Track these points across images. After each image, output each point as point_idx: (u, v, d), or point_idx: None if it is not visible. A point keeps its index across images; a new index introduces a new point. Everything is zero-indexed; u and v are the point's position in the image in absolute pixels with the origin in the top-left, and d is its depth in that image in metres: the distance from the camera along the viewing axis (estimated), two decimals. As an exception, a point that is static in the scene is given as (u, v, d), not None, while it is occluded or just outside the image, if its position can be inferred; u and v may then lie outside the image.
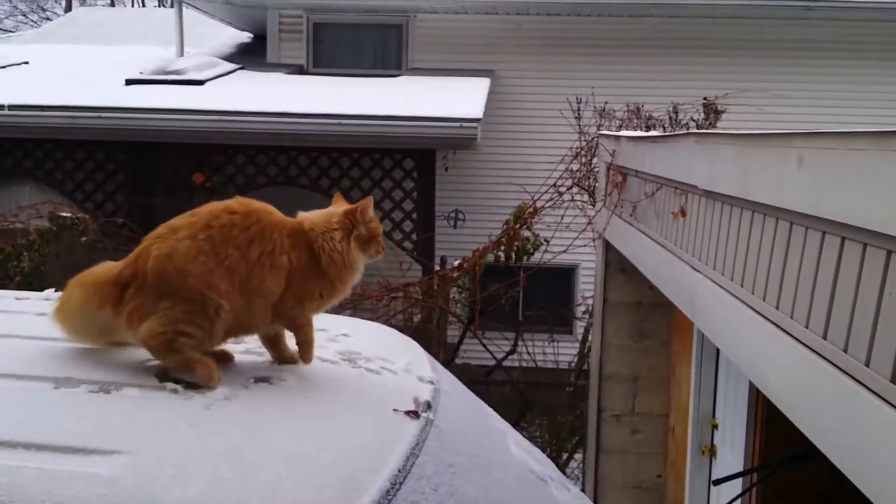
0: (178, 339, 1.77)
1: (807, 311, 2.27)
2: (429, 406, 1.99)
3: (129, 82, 10.40)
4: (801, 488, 4.01)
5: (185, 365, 1.78)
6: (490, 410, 2.71)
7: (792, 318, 2.37)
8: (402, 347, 2.39)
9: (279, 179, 9.95)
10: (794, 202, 2.36)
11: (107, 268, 1.91)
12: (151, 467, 1.39)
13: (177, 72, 10.79)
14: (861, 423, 1.95)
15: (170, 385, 1.73)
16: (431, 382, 2.20)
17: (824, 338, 2.16)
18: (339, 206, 2.05)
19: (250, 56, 12.74)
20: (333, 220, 1.98)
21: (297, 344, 1.98)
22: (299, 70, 11.94)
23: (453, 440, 2.01)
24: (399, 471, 1.63)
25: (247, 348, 2.06)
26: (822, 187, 2.20)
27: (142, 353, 1.93)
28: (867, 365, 1.93)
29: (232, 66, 11.59)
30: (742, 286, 2.84)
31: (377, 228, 2.03)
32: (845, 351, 2.04)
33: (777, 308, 2.50)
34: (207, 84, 10.49)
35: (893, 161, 1.80)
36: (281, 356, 1.99)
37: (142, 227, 8.73)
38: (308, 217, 2.00)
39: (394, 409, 1.89)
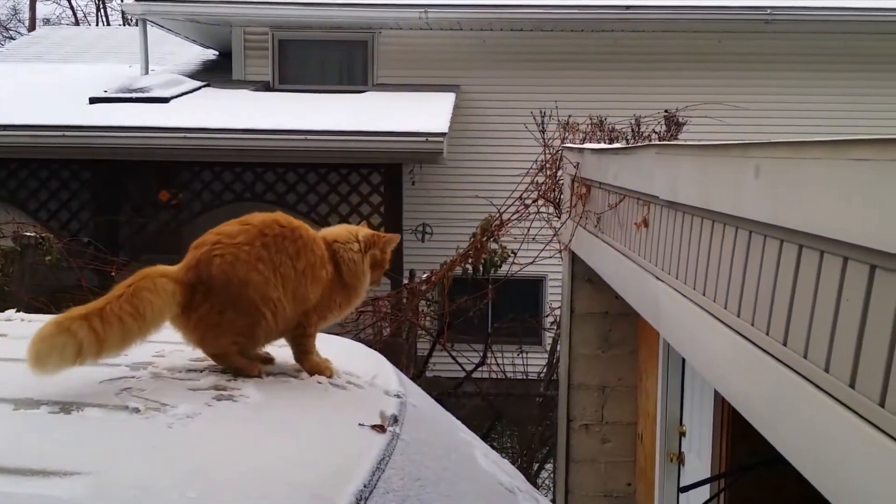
0: (234, 347, 1.92)
1: (767, 318, 2.31)
2: (395, 420, 1.99)
3: (93, 101, 10.31)
4: (770, 494, 4.05)
5: (236, 369, 1.93)
6: (458, 423, 2.72)
7: (753, 325, 2.41)
8: (368, 361, 2.39)
9: (246, 196, 9.91)
10: (753, 211, 2.40)
11: (174, 269, 1.97)
12: (114, 488, 1.38)
13: (141, 90, 10.72)
14: (822, 428, 1.98)
15: (131, 404, 1.72)
16: (398, 396, 2.20)
17: (784, 344, 2.19)
18: (361, 228, 2.19)
19: (216, 73, 12.69)
20: (357, 236, 2.12)
21: (299, 354, 2.06)
22: (265, 87, 11.92)
23: (420, 454, 2.00)
24: (365, 486, 1.62)
25: (211, 365, 2.05)
26: (779, 196, 2.24)
27: (102, 372, 1.91)
28: (826, 370, 1.96)
29: (197, 83, 11.54)
30: (704, 294, 2.87)
31: (387, 262, 2.19)
32: (805, 357, 2.07)
33: (738, 316, 2.53)
34: (172, 101, 10.43)
35: (847, 169, 1.84)
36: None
37: (108, 245, 8.65)
38: (329, 231, 2.13)
39: (360, 424, 1.89)
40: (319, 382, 2.05)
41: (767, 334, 2.30)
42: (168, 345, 2.21)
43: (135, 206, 10.24)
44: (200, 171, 9.94)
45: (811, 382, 2.02)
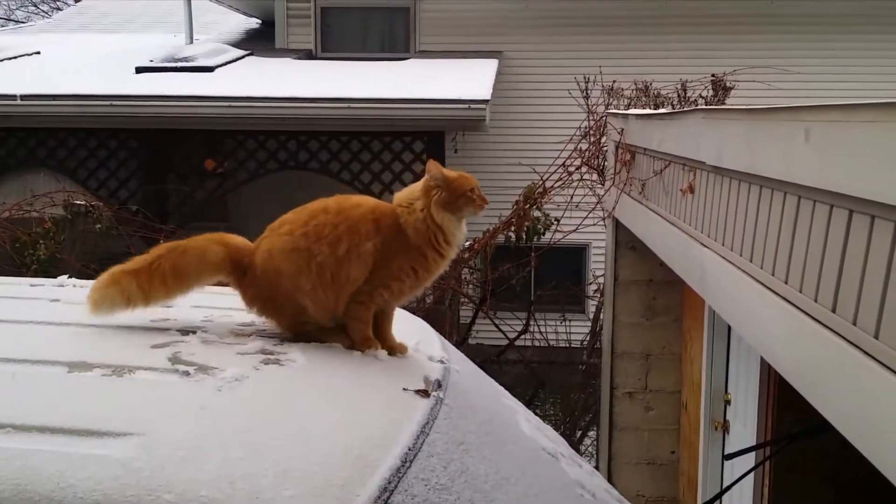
0: (303, 325, 2.00)
1: (815, 285, 2.27)
2: (439, 385, 2.01)
3: (139, 70, 10.43)
4: (814, 462, 4.02)
5: (319, 341, 1.99)
6: (501, 389, 2.73)
7: (801, 292, 2.37)
8: (412, 328, 2.40)
9: (290, 164, 9.98)
10: (802, 176, 2.36)
11: (241, 243, 2.08)
12: (164, 449, 1.41)
13: (186, 59, 10.81)
14: (870, 395, 1.95)
15: (181, 368, 1.75)
16: (441, 362, 2.22)
17: (833, 311, 2.16)
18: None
19: (259, 42, 12.73)
20: (416, 191, 2.06)
21: (347, 318, 2.04)
22: (308, 55, 11.93)
23: (464, 418, 2.02)
24: (409, 449, 1.64)
25: (258, 330, 2.08)
26: (829, 160, 2.20)
27: (153, 337, 1.96)
28: (876, 337, 1.93)
29: (241, 52, 11.59)
30: (751, 261, 2.83)
31: (462, 184, 2.04)
32: (854, 324, 2.04)
33: (786, 283, 2.49)
34: (217, 70, 10.50)
35: (899, 132, 1.79)
36: (385, 344, 2.08)
37: (155, 213, 8.80)
38: (399, 195, 2.09)
39: (404, 389, 1.91)
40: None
41: (816, 301, 2.26)
42: (217, 310, 2.26)
43: (181, 175, 10.37)
44: (245, 140, 10.02)
45: (860, 349, 1.99)
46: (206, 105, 9.20)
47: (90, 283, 2.09)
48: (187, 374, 1.73)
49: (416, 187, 2.08)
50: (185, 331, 2.03)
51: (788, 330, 2.47)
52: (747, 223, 2.91)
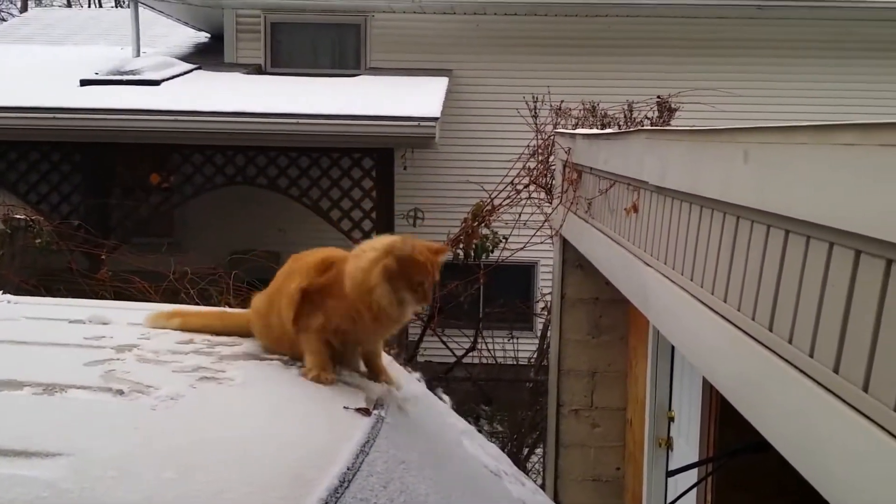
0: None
1: (753, 303, 2.31)
2: (380, 403, 1.99)
3: (84, 83, 10.24)
4: (758, 479, 4.07)
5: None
6: (445, 407, 2.72)
7: (739, 310, 2.41)
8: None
9: (237, 179, 9.87)
10: (741, 196, 2.40)
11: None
12: (94, 469, 1.37)
13: (132, 72, 10.65)
14: (806, 412, 1.99)
15: (115, 386, 1.71)
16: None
17: (770, 329, 2.20)
18: (400, 239, 1.92)
19: (207, 56, 12.61)
20: (378, 246, 1.91)
21: None
22: (257, 70, 11.85)
23: (405, 437, 2.01)
24: (349, 468, 1.62)
25: (196, 348, 2.04)
26: (766, 181, 2.24)
27: (87, 354, 1.91)
28: (811, 356, 1.97)
29: (189, 65, 11.47)
30: (692, 280, 2.88)
31: (415, 269, 1.86)
32: (790, 342, 2.08)
33: (725, 301, 2.54)
34: (164, 84, 10.37)
35: (832, 154, 1.84)
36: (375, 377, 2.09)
37: (98, 228, 8.62)
38: (368, 242, 1.98)
39: (345, 407, 1.89)
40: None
41: (753, 319, 2.30)
42: (154, 328, 2.21)
43: (125, 189, 10.19)
44: (191, 155, 9.89)
45: (796, 367, 2.02)
46: (152, 119, 9.08)
47: (27, 299, 2.04)
48: (121, 392, 1.69)
49: (390, 240, 1.92)
50: (121, 348, 1.99)
51: (727, 347, 2.51)
52: (688, 243, 2.95)
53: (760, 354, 2.22)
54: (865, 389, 1.71)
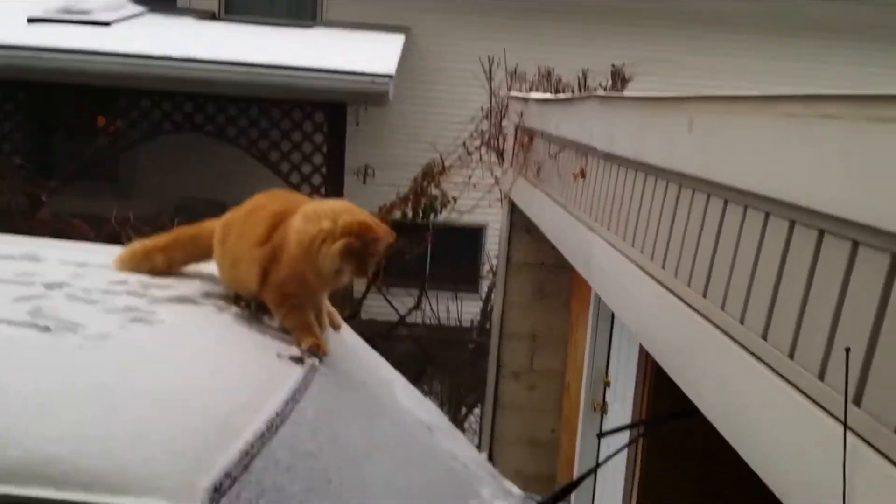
0: None
1: (689, 270, 2.34)
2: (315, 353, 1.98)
3: (31, 21, 9.88)
4: (687, 445, 4.16)
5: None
6: (382, 361, 2.72)
7: (676, 277, 2.44)
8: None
9: (185, 126, 9.66)
10: (684, 164, 2.42)
11: None
12: (14, 405, 1.34)
13: (82, 12, 10.31)
14: (734, 379, 2.03)
15: (42, 322, 1.67)
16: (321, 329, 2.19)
17: (704, 296, 2.23)
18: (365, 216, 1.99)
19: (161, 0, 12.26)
20: (338, 216, 1.94)
21: None
22: (211, 16, 11.55)
23: (338, 387, 2.00)
24: (277, 414, 1.61)
25: (129, 289, 2.00)
26: (710, 150, 2.26)
27: (15, 290, 1.86)
28: (741, 322, 2.00)
29: (140, 8, 11.14)
30: (633, 246, 2.90)
31: (373, 252, 1.95)
32: (722, 309, 2.11)
33: (663, 268, 2.56)
34: (114, 25, 10.06)
35: (774, 124, 1.85)
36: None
37: (40, 169, 8.38)
38: (318, 205, 2.02)
39: (278, 355, 1.88)
40: (240, 313, 2.03)
41: (689, 286, 2.33)
42: (86, 267, 2.16)
43: (70, 131, 9.91)
44: (139, 99, 9.64)
45: (727, 334, 2.06)
46: (100, 60, 8.80)
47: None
48: (48, 329, 1.66)
49: (342, 211, 1.96)
50: (51, 286, 1.94)
51: (663, 314, 2.55)
52: (632, 209, 2.98)
53: (694, 321, 2.26)
54: (791, 356, 1.75)
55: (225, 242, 2.09)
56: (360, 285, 8.71)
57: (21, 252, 2.22)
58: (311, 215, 1.93)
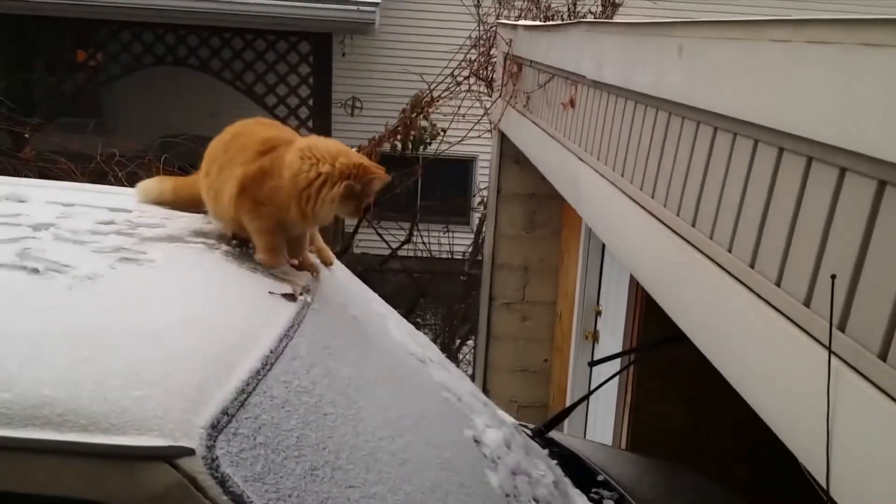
0: None
1: (678, 199, 2.34)
2: (306, 290, 1.99)
3: (1, -49, 9.62)
4: (673, 368, 4.23)
5: None
6: (374, 295, 2.73)
7: (665, 206, 2.44)
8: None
9: (167, 59, 9.50)
10: (673, 92, 2.40)
11: None
12: (5, 347, 1.35)
13: (54, -59, 10.02)
14: (722, 305, 2.05)
15: (30, 265, 1.67)
16: (311, 265, 2.19)
17: (693, 225, 2.24)
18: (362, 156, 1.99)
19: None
20: (337, 158, 1.91)
21: None
22: (189, -56, 11.26)
23: (331, 323, 2.01)
24: (271, 352, 1.62)
25: (117, 229, 1.99)
26: (699, 77, 2.24)
27: (3, 231, 1.84)
28: (729, 251, 2.01)
29: (115, -64, 10.83)
30: (622, 176, 2.90)
31: (368, 193, 1.94)
32: (711, 238, 2.12)
33: (652, 197, 2.56)
34: (89, -45, 9.80)
35: (763, 50, 1.84)
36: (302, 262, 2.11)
37: (20, 105, 8.24)
38: (318, 142, 1.98)
39: (270, 292, 1.88)
40: (232, 250, 2.02)
41: (678, 215, 2.34)
42: (74, 207, 2.14)
43: (49, 66, 9.73)
44: (119, 31, 9.45)
45: (715, 262, 2.07)
46: (77, -9, 8.61)
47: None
48: (36, 271, 1.65)
49: (338, 152, 1.93)
50: (38, 227, 1.93)
51: (652, 243, 2.56)
52: (621, 138, 2.96)
53: (682, 249, 2.27)
54: (778, 284, 1.76)
55: (209, 174, 2.07)
56: (350, 220, 8.71)
57: (5, 193, 2.20)
58: (308, 155, 1.91)
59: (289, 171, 1.91)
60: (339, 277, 2.42)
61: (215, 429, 1.31)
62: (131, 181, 5.50)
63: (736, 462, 4.24)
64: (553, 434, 3.14)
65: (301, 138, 2.03)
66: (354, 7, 8.68)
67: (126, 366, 1.36)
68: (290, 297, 1.91)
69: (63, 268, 1.67)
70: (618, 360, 3.96)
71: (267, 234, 1.98)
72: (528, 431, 2.96)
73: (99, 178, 5.31)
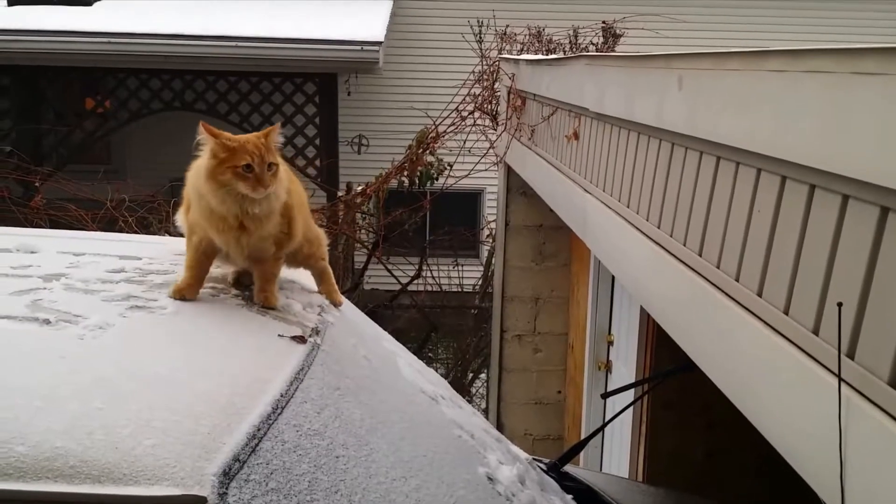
0: None
1: (685, 229, 2.35)
2: (316, 331, 2.00)
3: (11, 2, 9.80)
4: (688, 397, 4.21)
5: None
6: (383, 333, 2.74)
7: (671, 236, 2.45)
8: (292, 273, 2.37)
9: (175, 104, 9.61)
10: (675, 123, 2.42)
11: None
12: (18, 399, 1.36)
13: (62, -9, 10.22)
14: (730, 334, 2.05)
15: (41, 316, 1.68)
16: (321, 307, 2.20)
17: (700, 255, 2.24)
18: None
19: (142, -25, 12.12)
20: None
21: None
22: (193, -10, 11.44)
23: (341, 364, 2.02)
24: (282, 395, 1.63)
25: (127, 276, 2.01)
26: (699, 108, 2.26)
27: (12, 283, 1.87)
28: (737, 280, 2.01)
29: (121, -15, 11.02)
30: (628, 206, 2.91)
31: (236, 158, 1.84)
32: (718, 267, 2.12)
33: (658, 227, 2.57)
34: (96, 4, 9.98)
35: (761, 80, 1.85)
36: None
37: (31, 155, 8.34)
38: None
39: (279, 335, 1.89)
40: (239, 294, 2.04)
41: (685, 245, 2.34)
42: (84, 256, 2.17)
43: (58, 114, 9.86)
44: (126, 79, 9.59)
45: (723, 291, 2.07)
46: (84, 41, 8.74)
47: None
48: (48, 322, 1.67)
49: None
50: (49, 277, 1.95)
51: (659, 272, 2.56)
52: (625, 169, 2.98)
53: (690, 279, 2.27)
54: (786, 312, 1.76)
55: (187, 212, 2.06)
56: (360, 256, 8.74)
57: (17, 244, 2.23)
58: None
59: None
60: (349, 317, 2.43)
61: (227, 476, 1.31)
62: (142, 226, 5.56)
63: (754, 489, 4.20)
64: (568, 467, 3.11)
65: None
66: (358, 47, 8.79)
67: (137, 414, 1.37)
68: (300, 340, 1.92)
69: (74, 318, 1.69)
70: (632, 391, 3.94)
71: (189, 252, 1.99)
72: (543, 466, 2.94)
73: (109, 224, 5.36)
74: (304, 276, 2.35)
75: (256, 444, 1.45)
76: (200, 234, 1.95)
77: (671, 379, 3.60)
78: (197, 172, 1.90)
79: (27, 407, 1.34)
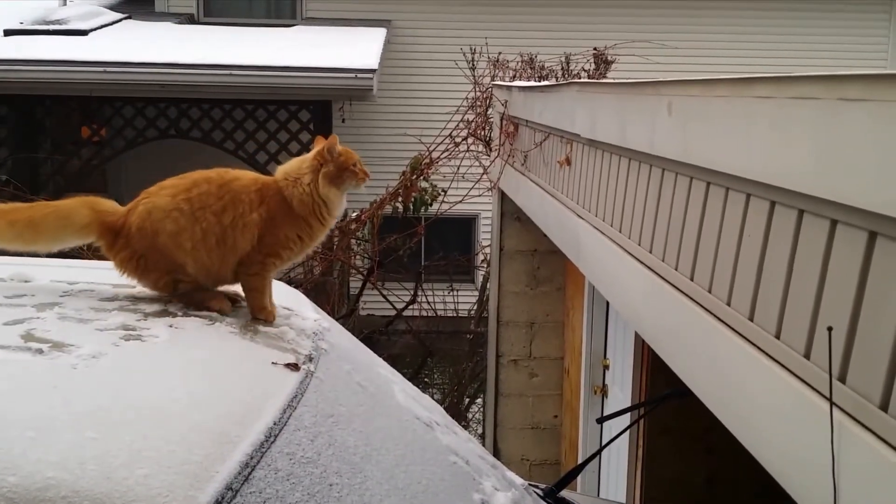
0: (178, 284, 2.03)
1: (676, 254, 2.36)
2: (310, 358, 2.00)
3: (7, 33, 9.86)
4: (685, 423, 4.20)
5: (198, 304, 2.03)
6: (377, 359, 2.73)
7: (663, 261, 2.46)
8: (285, 299, 2.37)
9: (170, 132, 9.66)
10: (665, 149, 2.44)
11: (111, 207, 2.08)
12: (10, 430, 1.35)
13: (59, 21, 10.29)
14: (722, 358, 2.05)
15: (34, 346, 1.68)
16: (315, 334, 2.20)
17: (692, 280, 2.25)
18: (315, 149, 2.18)
19: (137, 5, 12.22)
20: (304, 165, 2.12)
21: (244, 290, 2.13)
22: (189, 19, 11.53)
23: (335, 391, 2.02)
24: (275, 423, 1.62)
25: (120, 305, 2.01)
26: (689, 134, 2.28)
27: (5, 313, 1.87)
28: (728, 304, 2.02)
29: (117, 15, 11.11)
30: (620, 231, 2.93)
31: (347, 160, 2.14)
32: (709, 291, 2.13)
33: (650, 252, 2.59)
34: (91, 34, 10.04)
35: (750, 106, 1.87)
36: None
37: (27, 183, 8.36)
38: (283, 168, 2.15)
39: (273, 363, 1.89)
40: (232, 321, 2.04)
41: (676, 269, 2.36)
42: (77, 284, 2.17)
43: (55, 143, 9.90)
44: (122, 107, 9.64)
45: (714, 316, 2.08)
46: (80, 70, 8.80)
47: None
48: (40, 352, 1.67)
49: (304, 160, 2.14)
50: (42, 306, 1.95)
51: (652, 297, 2.57)
52: (617, 195, 3.00)
53: (682, 304, 2.28)
54: (778, 336, 1.77)
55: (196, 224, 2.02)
56: (355, 282, 8.75)
57: (10, 274, 2.23)
58: (292, 177, 2.11)
59: (297, 202, 2.07)
60: (344, 344, 2.43)
61: (220, 505, 1.31)
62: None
63: (753, 513, 4.18)
64: (565, 493, 3.10)
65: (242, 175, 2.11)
66: (352, 75, 8.85)
67: (130, 444, 1.37)
68: (294, 367, 1.92)
69: (67, 347, 1.69)
70: (628, 414, 3.93)
71: (263, 292, 2.11)
72: (539, 492, 2.93)
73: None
74: (299, 303, 2.36)
75: (249, 473, 1.44)
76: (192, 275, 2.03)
77: (668, 403, 3.59)
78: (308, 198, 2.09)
79: (19, 437, 1.34)
